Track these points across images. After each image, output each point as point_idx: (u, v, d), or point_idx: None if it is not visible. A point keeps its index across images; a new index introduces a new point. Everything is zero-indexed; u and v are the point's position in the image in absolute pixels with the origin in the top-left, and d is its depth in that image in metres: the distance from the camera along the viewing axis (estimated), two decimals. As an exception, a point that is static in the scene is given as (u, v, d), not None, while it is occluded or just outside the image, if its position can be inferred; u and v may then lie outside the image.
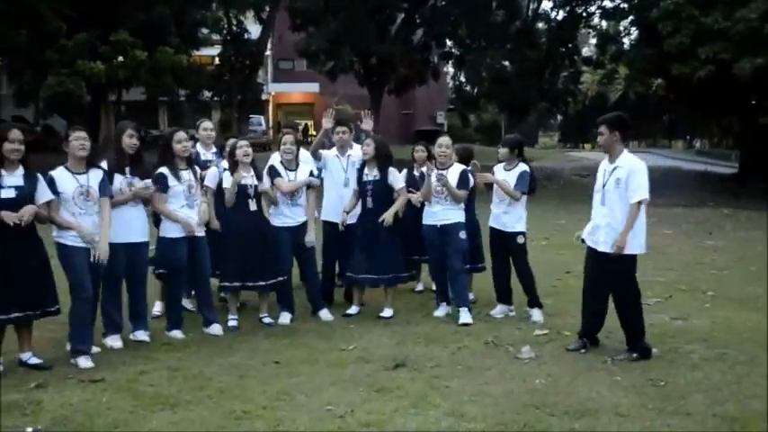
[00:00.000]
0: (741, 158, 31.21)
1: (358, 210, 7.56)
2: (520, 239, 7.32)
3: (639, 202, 5.97)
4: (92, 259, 5.81)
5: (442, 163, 7.41)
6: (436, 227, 7.33)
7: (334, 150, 7.84)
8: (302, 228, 7.32)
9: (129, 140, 6.29)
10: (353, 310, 7.56)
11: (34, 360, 5.75)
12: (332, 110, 8.18)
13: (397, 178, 7.47)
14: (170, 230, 6.61)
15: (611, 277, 6.15)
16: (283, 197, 7.26)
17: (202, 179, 6.90)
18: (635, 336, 6.12)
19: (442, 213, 7.30)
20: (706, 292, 8.78)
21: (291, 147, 7.31)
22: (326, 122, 7.95)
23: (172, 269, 6.72)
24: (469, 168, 7.65)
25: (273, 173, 7.26)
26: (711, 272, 10.32)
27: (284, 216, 7.30)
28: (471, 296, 7.82)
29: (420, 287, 8.71)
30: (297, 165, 7.36)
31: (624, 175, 6.03)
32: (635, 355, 6.01)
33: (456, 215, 7.31)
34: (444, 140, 7.48)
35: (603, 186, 6.18)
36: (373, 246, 7.33)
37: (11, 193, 5.42)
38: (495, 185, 7.37)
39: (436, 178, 7.18)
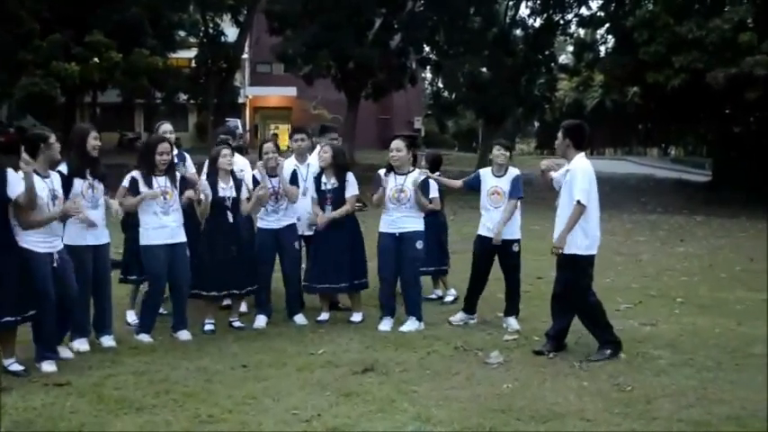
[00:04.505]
0: (714, 166, 31.52)
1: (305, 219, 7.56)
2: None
3: (579, 203, 6.02)
4: (54, 264, 5.74)
5: (398, 167, 7.14)
6: (394, 235, 7.10)
7: (292, 160, 7.73)
8: (286, 230, 7.33)
9: (94, 142, 6.25)
10: (324, 316, 7.51)
11: (16, 367, 5.59)
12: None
13: (351, 185, 7.38)
14: (147, 238, 6.56)
15: (563, 278, 6.27)
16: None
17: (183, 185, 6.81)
18: (601, 333, 6.23)
19: (401, 221, 7.08)
20: (675, 298, 8.85)
21: (273, 155, 7.32)
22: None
23: (152, 276, 6.66)
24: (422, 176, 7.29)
25: (255, 183, 7.23)
26: (682, 278, 10.40)
27: (266, 219, 7.31)
28: (454, 292, 8.23)
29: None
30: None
31: (570, 177, 6.13)
32: (608, 351, 6.11)
33: (415, 224, 7.10)
34: (396, 144, 7.20)
35: (560, 189, 6.29)
36: (334, 254, 7.26)
37: None
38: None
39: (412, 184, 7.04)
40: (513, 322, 7.28)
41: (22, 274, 5.55)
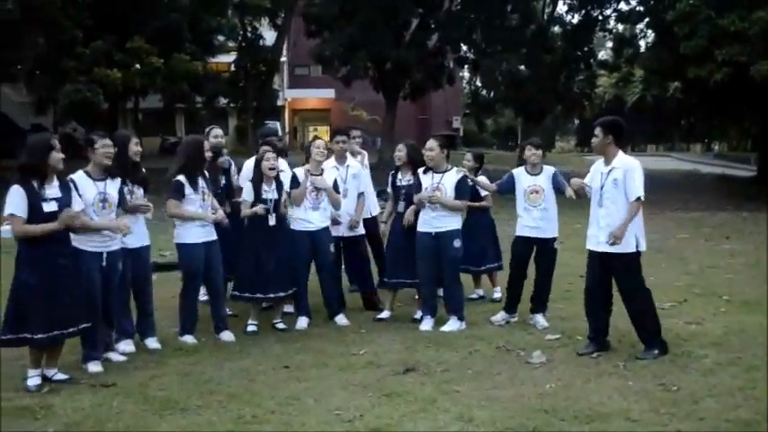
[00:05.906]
0: (759, 161, 30.89)
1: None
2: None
3: (638, 200, 6.01)
4: (103, 263, 5.84)
5: (434, 167, 7.12)
6: (431, 234, 7.06)
7: (332, 161, 7.69)
8: (321, 233, 7.32)
9: (136, 148, 6.36)
10: (386, 314, 7.53)
11: (60, 376, 5.61)
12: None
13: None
14: (185, 236, 6.64)
15: (619, 277, 6.20)
16: (304, 201, 7.27)
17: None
18: (650, 334, 6.17)
19: (437, 221, 7.03)
20: (721, 296, 8.69)
21: (324, 150, 7.33)
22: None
23: (189, 274, 6.74)
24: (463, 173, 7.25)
25: (293, 183, 7.25)
26: (727, 276, 10.21)
27: (303, 220, 7.30)
28: (498, 292, 8.17)
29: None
30: (321, 171, 7.36)
31: (621, 176, 6.08)
32: (656, 351, 6.06)
33: (451, 222, 7.05)
34: (428, 144, 7.18)
35: (601, 188, 6.19)
36: (410, 249, 7.24)
37: (53, 207, 5.33)
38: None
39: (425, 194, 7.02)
40: (541, 319, 7.24)
41: (76, 283, 5.55)
